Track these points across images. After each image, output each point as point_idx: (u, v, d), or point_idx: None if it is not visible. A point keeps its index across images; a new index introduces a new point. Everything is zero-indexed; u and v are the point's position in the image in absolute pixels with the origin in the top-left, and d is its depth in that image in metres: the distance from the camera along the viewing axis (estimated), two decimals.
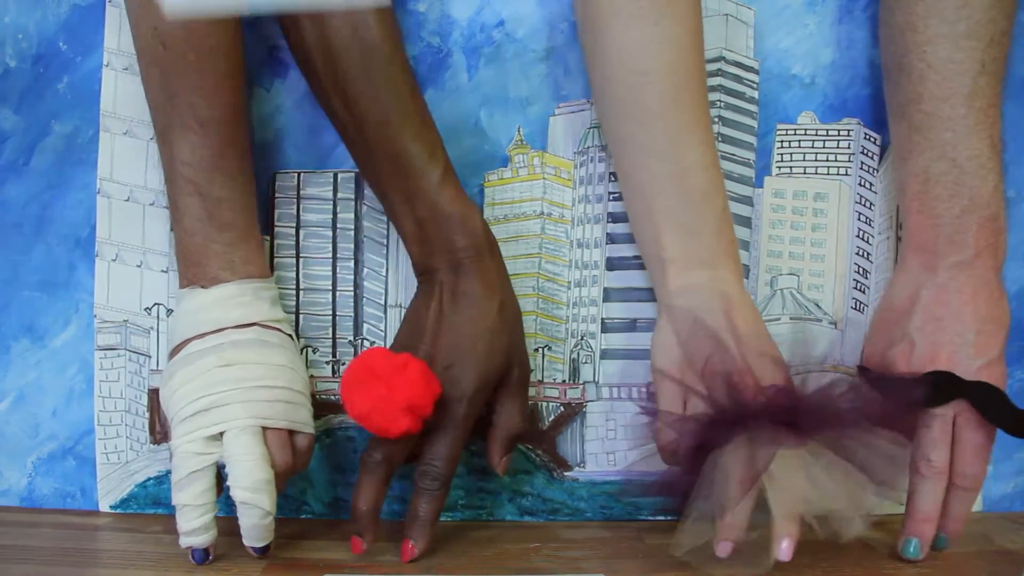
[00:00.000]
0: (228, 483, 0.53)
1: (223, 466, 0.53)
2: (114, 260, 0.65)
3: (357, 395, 0.53)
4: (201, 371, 0.54)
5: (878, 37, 0.64)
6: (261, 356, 0.55)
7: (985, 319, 0.57)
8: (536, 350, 0.66)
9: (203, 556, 0.54)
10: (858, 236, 0.68)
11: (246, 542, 0.54)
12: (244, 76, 0.58)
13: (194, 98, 0.55)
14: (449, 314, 0.58)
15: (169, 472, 0.64)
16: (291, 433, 0.56)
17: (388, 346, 0.62)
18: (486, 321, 0.58)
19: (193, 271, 0.56)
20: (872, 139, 0.67)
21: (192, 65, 0.55)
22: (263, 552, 0.55)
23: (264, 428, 0.54)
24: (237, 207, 0.56)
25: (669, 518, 0.66)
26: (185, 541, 0.53)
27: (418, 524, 0.56)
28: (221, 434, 0.53)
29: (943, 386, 0.56)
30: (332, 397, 0.66)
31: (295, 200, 0.66)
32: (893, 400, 0.56)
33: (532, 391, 0.66)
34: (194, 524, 0.52)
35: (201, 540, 0.53)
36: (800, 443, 0.52)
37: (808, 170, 0.68)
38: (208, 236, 0.56)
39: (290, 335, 0.59)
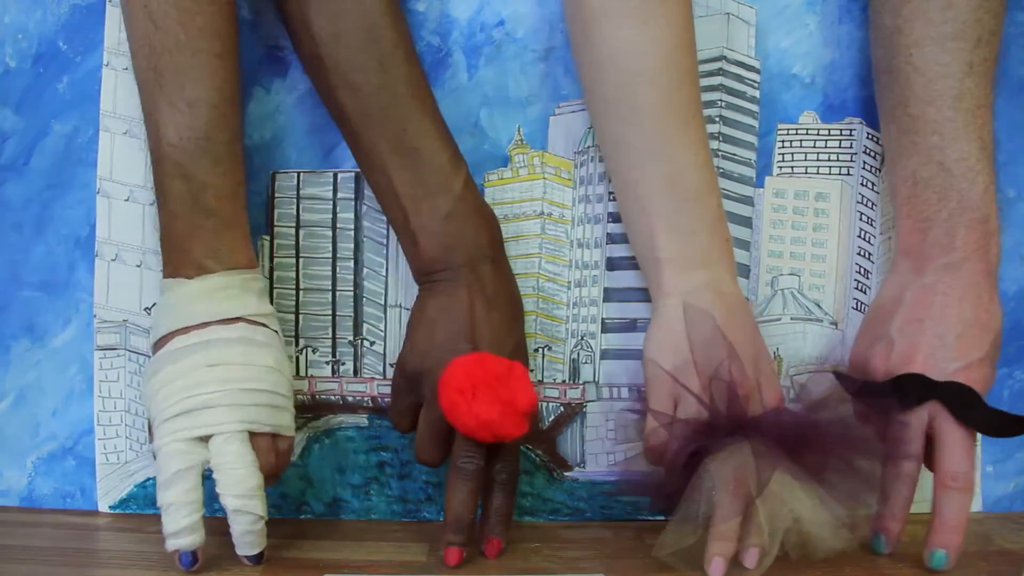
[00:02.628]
0: (217, 490, 0.52)
1: (209, 471, 0.52)
2: (114, 260, 0.65)
3: (481, 404, 0.52)
4: (186, 371, 0.53)
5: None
6: (247, 356, 0.54)
7: (969, 322, 0.56)
8: (536, 350, 0.66)
9: (191, 560, 0.52)
10: (859, 236, 0.68)
11: (239, 551, 0.53)
12: (236, 59, 0.57)
13: (183, 78, 0.54)
14: (489, 310, 0.58)
15: None
16: (273, 437, 0.55)
17: (401, 347, 0.61)
18: (520, 314, 0.61)
19: (178, 258, 0.55)
20: (874, 138, 0.67)
21: (183, 44, 0.54)
22: (257, 560, 0.54)
23: (250, 432, 0.53)
24: (223, 193, 0.55)
25: (669, 518, 0.67)
26: (173, 543, 0.51)
27: (502, 519, 0.57)
28: (206, 437, 0.52)
29: (914, 388, 0.56)
30: (332, 397, 0.66)
31: (295, 200, 0.66)
32: (869, 405, 0.56)
33: None
34: (182, 523, 0.51)
35: (188, 541, 0.51)
36: (795, 462, 0.52)
37: (809, 170, 0.68)
38: (192, 222, 0.54)
39: (276, 331, 0.57)
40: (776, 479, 0.51)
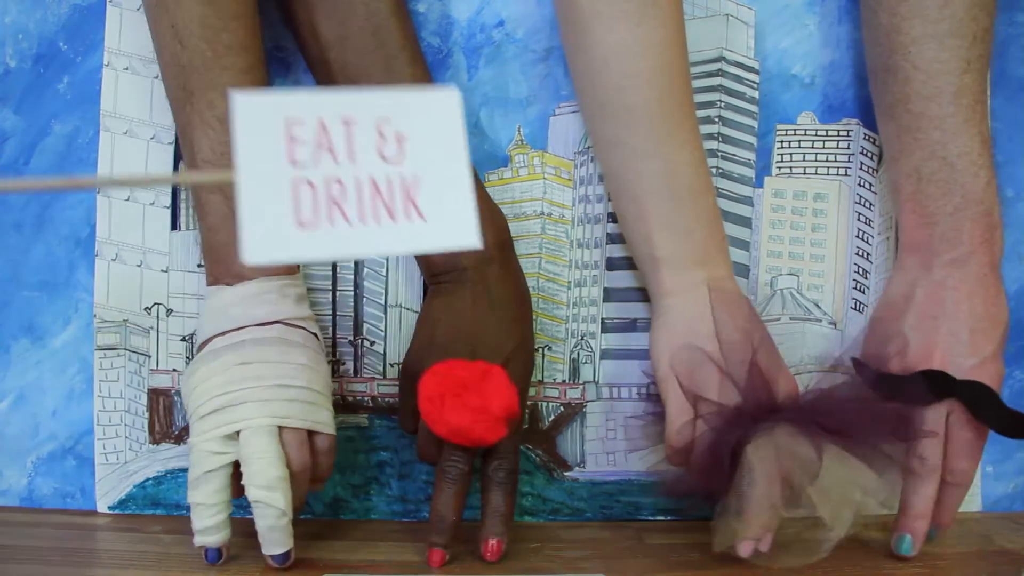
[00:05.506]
0: (243, 483, 0.52)
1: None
2: (114, 260, 0.65)
3: (450, 412, 0.52)
4: (220, 369, 0.53)
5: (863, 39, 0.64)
6: (281, 354, 0.54)
7: (980, 317, 0.57)
8: (536, 350, 0.66)
9: (216, 556, 0.53)
10: (858, 236, 0.68)
11: (264, 550, 0.53)
12: (264, 72, 0.58)
13: (212, 95, 0.55)
14: (491, 312, 0.58)
15: (168, 472, 0.65)
16: (311, 434, 0.55)
17: (407, 345, 0.61)
18: (526, 315, 0.61)
19: (219, 268, 0.56)
20: (871, 139, 0.68)
21: (210, 61, 0.54)
22: (283, 561, 0.53)
23: (281, 428, 0.53)
24: None
25: (669, 518, 0.67)
26: (199, 540, 0.52)
27: (502, 518, 0.56)
28: (238, 433, 0.53)
29: (935, 385, 0.56)
30: (332, 397, 0.65)
31: None
32: (888, 398, 0.56)
33: (532, 391, 0.66)
34: (207, 523, 0.52)
35: (214, 539, 0.52)
36: (837, 441, 0.52)
37: (808, 170, 0.68)
38: (231, 233, 0.55)
39: (315, 334, 0.58)
40: (828, 457, 0.51)
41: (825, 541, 0.52)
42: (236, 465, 0.53)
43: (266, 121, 0.41)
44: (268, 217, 0.40)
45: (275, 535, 0.52)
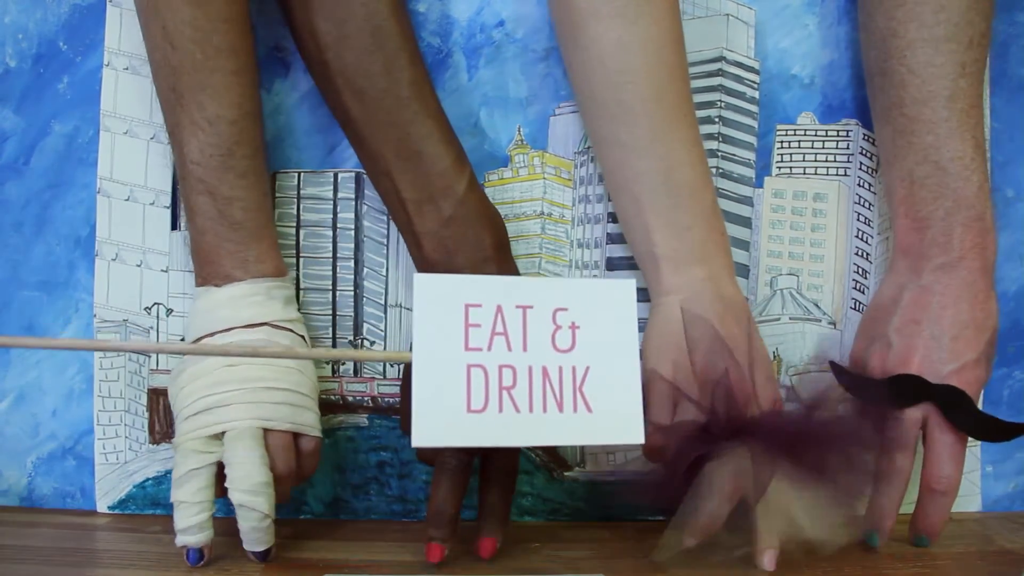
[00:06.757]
0: (226, 484, 0.52)
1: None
2: (114, 260, 0.65)
3: None
4: (207, 370, 0.54)
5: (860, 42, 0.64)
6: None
7: (965, 323, 0.57)
8: None
9: (197, 557, 0.53)
10: (857, 236, 0.68)
11: (246, 547, 0.54)
12: (255, 74, 0.58)
13: (202, 97, 0.55)
14: None
15: (168, 472, 0.65)
16: (296, 436, 0.55)
17: (407, 346, 0.61)
18: None
19: (207, 270, 0.57)
20: (871, 139, 0.68)
21: (200, 63, 0.55)
22: (264, 557, 0.54)
23: (266, 430, 0.54)
24: (249, 206, 0.56)
25: (669, 518, 0.67)
26: (181, 539, 0.52)
27: (497, 517, 0.56)
28: (223, 434, 0.53)
29: (909, 389, 0.56)
30: (332, 397, 0.66)
31: (295, 200, 0.66)
32: (864, 402, 0.56)
33: None
34: (190, 521, 0.52)
35: (196, 539, 0.52)
36: (795, 463, 0.52)
37: (808, 170, 0.68)
38: (220, 235, 0.56)
39: (302, 336, 0.58)
40: (774, 485, 0.51)
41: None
42: (220, 465, 0.53)
43: (446, 302, 0.42)
44: (440, 401, 0.41)
45: (257, 535, 0.53)
